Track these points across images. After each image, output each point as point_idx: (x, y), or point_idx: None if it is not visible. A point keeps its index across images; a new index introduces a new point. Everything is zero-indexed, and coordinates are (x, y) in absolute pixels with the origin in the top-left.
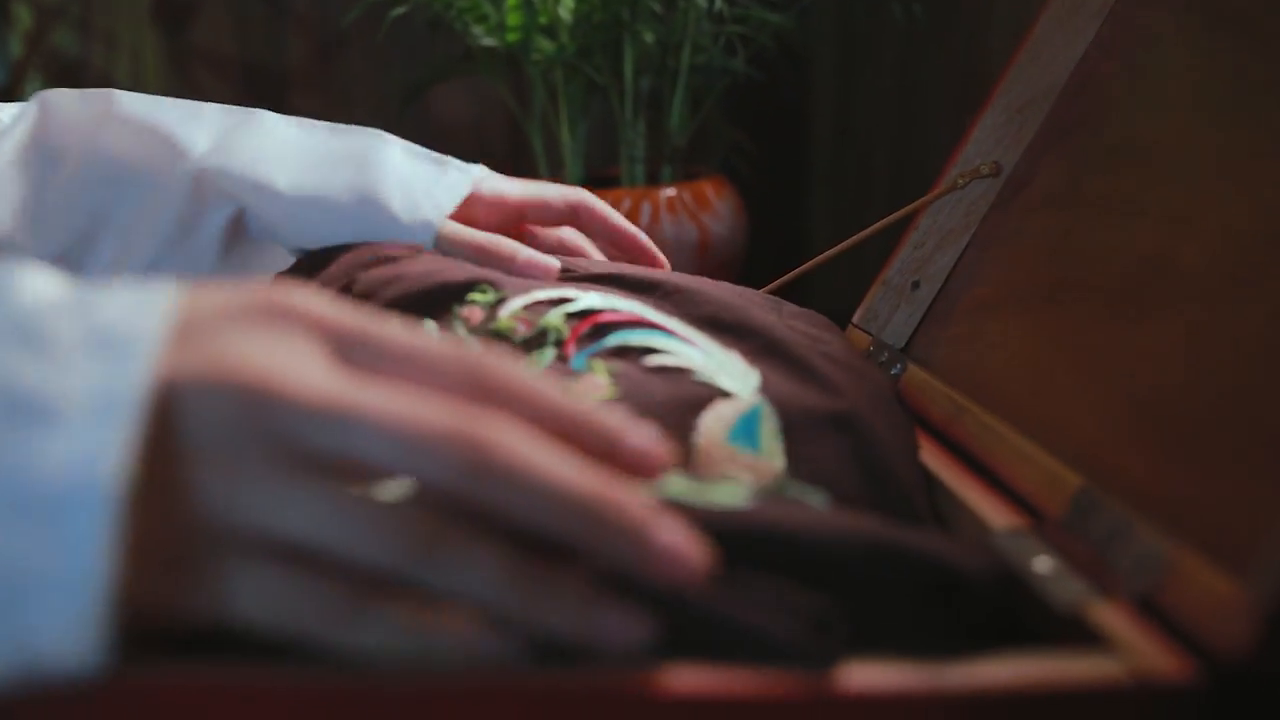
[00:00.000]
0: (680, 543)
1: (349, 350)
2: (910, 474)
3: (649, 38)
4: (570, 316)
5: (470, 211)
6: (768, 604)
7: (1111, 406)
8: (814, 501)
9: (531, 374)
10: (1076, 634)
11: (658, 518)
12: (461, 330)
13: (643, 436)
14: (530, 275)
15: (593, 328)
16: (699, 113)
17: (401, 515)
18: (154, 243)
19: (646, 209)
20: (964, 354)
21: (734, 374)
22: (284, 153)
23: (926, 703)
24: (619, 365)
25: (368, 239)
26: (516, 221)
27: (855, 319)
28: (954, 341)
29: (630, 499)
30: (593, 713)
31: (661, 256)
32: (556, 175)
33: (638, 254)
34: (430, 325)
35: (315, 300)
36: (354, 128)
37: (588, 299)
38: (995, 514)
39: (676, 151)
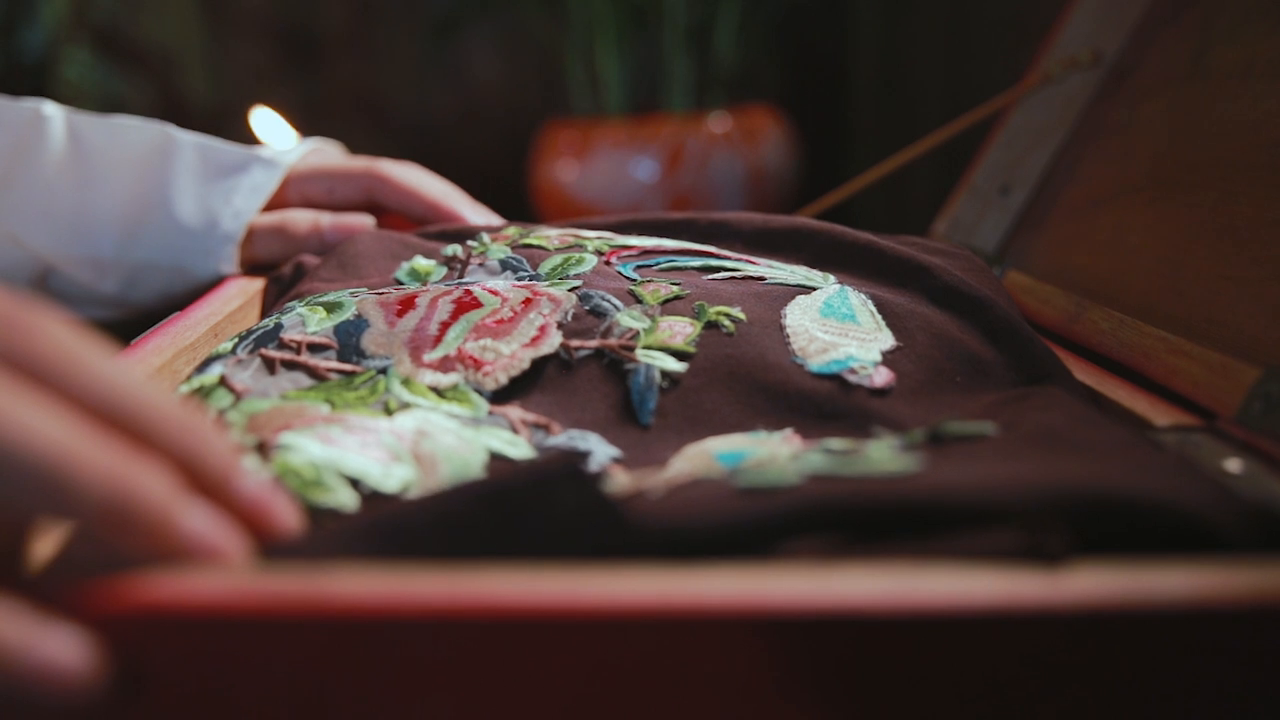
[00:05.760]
0: (211, 530)
1: None
2: (1028, 328)
3: None
4: (610, 244)
5: (284, 195)
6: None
7: (1274, 293)
8: (984, 431)
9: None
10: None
11: (182, 503)
12: (487, 240)
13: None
14: (340, 238)
15: (639, 252)
16: (746, 44)
17: None
18: None
19: (693, 144)
20: (1073, 256)
21: (806, 277)
22: (65, 203)
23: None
24: (678, 275)
25: (179, 266)
26: (323, 200)
27: (937, 230)
28: (1058, 244)
29: (150, 479)
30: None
31: (473, 215)
32: (599, 107)
33: (442, 218)
34: (454, 248)
35: None
36: (144, 130)
37: (625, 239)
38: (1155, 412)
39: (725, 76)
